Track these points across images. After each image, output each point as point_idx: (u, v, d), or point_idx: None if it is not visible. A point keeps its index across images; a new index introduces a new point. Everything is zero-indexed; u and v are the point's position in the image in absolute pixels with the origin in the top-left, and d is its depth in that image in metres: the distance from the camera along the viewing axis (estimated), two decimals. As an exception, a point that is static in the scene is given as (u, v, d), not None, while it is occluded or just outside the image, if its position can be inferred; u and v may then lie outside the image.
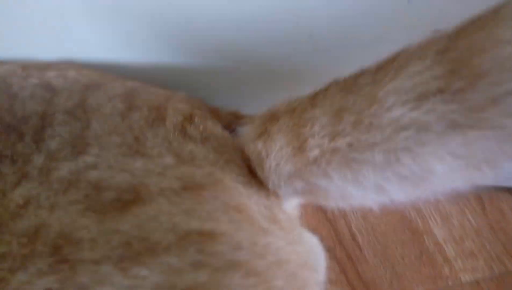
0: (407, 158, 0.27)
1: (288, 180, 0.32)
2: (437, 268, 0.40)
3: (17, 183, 0.34)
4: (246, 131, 0.36)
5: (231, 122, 0.40)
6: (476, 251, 0.40)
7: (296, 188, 0.33)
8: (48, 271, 0.27)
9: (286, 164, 0.31)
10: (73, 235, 0.29)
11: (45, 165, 0.34)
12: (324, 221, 0.44)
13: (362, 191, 0.30)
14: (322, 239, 0.36)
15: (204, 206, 0.31)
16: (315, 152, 0.29)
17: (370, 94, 0.28)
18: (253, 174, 0.35)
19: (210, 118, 0.39)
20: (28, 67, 0.45)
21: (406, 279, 0.41)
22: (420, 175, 0.28)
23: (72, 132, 0.35)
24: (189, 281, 0.28)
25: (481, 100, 0.25)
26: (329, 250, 0.44)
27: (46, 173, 0.33)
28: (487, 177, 0.28)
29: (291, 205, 0.38)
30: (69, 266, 0.27)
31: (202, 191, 0.32)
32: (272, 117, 0.33)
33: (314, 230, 0.37)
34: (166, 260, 0.28)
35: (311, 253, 0.36)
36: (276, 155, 0.31)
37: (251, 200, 0.33)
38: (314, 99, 0.31)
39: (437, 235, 0.42)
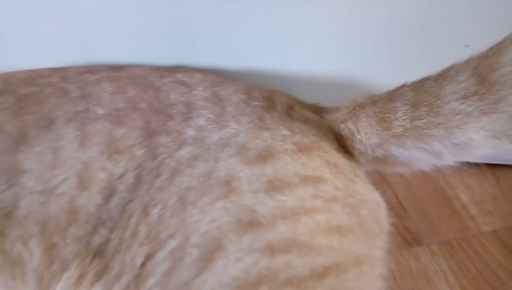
0: (458, 132, 0.44)
1: (372, 149, 0.48)
2: (464, 222, 0.55)
3: (178, 148, 0.49)
4: (334, 117, 0.52)
5: (315, 111, 0.56)
6: (493, 211, 0.55)
7: (377, 155, 0.48)
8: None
9: (373, 138, 0.47)
10: (235, 177, 0.43)
11: (198, 135, 0.49)
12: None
13: (427, 156, 0.46)
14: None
15: (314, 161, 0.46)
16: (399, 130, 0.46)
17: (435, 93, 0.45)
18: (340, 144, 0.50)
19: (303, 107, 0.54)
20: (158, 69, 0.60)
21: (441, 230, 0.55)
22: (465, 142, 0.44)
23: (214, 113, 0.50)
24: (309, 205, 0.43)
25: (495, 99, 0.42)
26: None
27: (201, 140, 0.48)
28: (506, 146, 0.44)
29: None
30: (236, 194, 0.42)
31: (311, 151, 0.47)
32: (359, 106, 0.49)
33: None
34: (297, 192, 0.43)
35: (380, 200, 0.51)
36: (366, 131, 0.47)
37: (341, 160, 0.48)
38: (391, 95, 0.48)
39: (463, 199, 0.57)
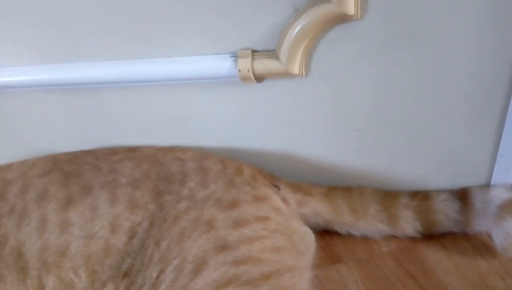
0: None
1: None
2: (370, 245, 0.81)
3: (177, 203, 0.75)
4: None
5: (271, 178, 0.84)
6: (390, 238, 0.83)
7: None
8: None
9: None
10: (214, 218, 0.69)
11: (190, 193, 0.75)
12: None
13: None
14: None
15: (264, 207, 0.73)
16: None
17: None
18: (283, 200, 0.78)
19: (262, 175, 0.82)
20: (162, 149, 0.87)
21: (355, 251, 0.81)
22: None
23: (200, 178, 0.77)
24: (259, 234, 0.69)
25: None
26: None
27: (192, 196, 0.74)
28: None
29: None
30: (215, 229, 0.68)
31: (263, 201, 0.74)
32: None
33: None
34: (252, 226, 0.69)
35: (310, 235, 0.78)
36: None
37: (282, 206, 0.76)
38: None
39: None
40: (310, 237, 0.77)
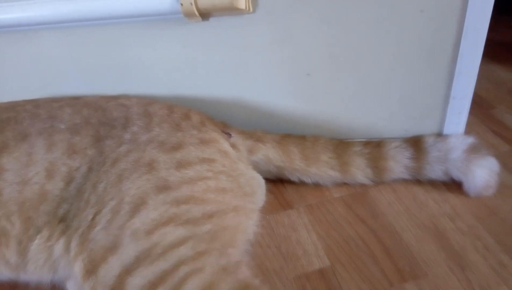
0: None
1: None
2: (322, 192, 0.80)
3: (118, 147, 0.71)
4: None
5: (223, 126, 0.81)
6: (342, 184, 0.81)
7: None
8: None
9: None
10: (155, 160, 0.66)
11: (132, 137, 0.71)
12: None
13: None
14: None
15: (210, 149, 0.70)
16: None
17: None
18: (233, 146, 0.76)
19: (212, 122, 0.79)
20: (106, 97, 0.83)
21: (307, 198, 0.80)
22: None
23: (144, 122, 0.73)
24: (203, 175, 0.66)
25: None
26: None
27: (134, 140, 0.71)
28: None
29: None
30: (155, 170, 0.65)
31: (209, 143, 0.71)
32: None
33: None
34: (196, 168, 0.66)
35: (258, 179, 0.75)
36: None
37: (230, 150, 0.73)
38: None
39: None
40: (258, 181, 0.74)
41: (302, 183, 0.82)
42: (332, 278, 0.66)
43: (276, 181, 0.83)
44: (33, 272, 0.68)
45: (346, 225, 0.74)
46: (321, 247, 0.71)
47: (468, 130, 0.84)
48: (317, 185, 0.82)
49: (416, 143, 0.79)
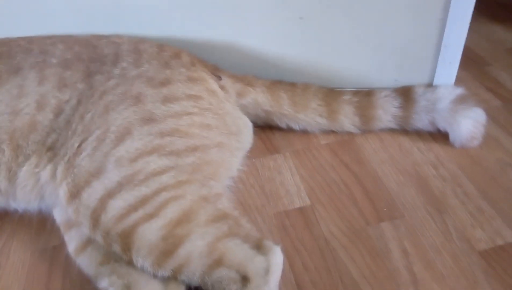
0: None
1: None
2: (310, 139, 0.80)
3: (107, 81, 0.72)
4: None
5: (213, 69, 0.81)
6: (330, 133, 0.82)
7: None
8: None
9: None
10: (142, 94, 0.67)
11: (121, 72, 0.72)
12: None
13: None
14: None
15: (198, 87, 0.71)
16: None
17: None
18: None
19: (203, 64, 0.79)
20: (98, 35, 0.83)
21: (294, 144, 0.81)
22: None
23: (134, 59, 0.74)
24: (189, 110, 0.67)
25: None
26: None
27: (123, 75, 0.71)
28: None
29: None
30: (142, 103, 0.66)
31: (197, 81, 0.72)
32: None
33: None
34: (182, 103, 0.67)
35: (245, 120, 0.76)
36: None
37: (218, 90, 0.73)
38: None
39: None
40: (244, 122, 0.75)
41: (290, 130, 0.83)
42: (311, 216, 0.68)
43: (265, 127, 0.84)
44: (22, 198, 0.70)
45: (330, 170, 0.75)
46: (303, 188, 0.73)
47: (461, 85, 0.83)
48: (304, 132, 0.82)
49: (405, 93, 0.79)
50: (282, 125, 0.82)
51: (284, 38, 0.80)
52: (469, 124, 0.74)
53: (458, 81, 0.83)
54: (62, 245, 0.67)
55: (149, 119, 0.65)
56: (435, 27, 0.74)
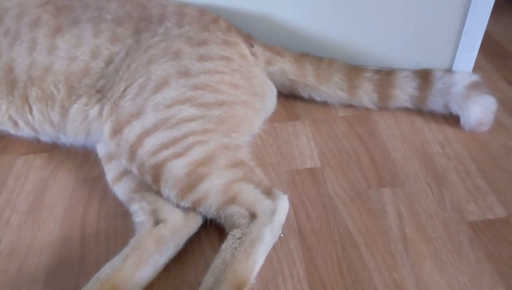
0: None
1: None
2: (329, 110, 0.87)
3: (152, 38, 0.81)
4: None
5: (246, 37, 0.88)
6: (349, 106, 0.88)
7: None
8: None
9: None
10: (181, 50, 0.75)
11: (165, 31, 0.81)
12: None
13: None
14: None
15: (230, 50, 0.79)
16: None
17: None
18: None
19: (238, 31, 0.87)
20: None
21: (313, 113, 0.87)
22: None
23: (177, 20, 0.82)
24: (220, 69, 0.75)
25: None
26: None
27: (166, 33, 0.80)
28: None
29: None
30: (180, 59, 0.75)
31: (230, 45, 0.80)
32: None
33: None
34: (215, 62, 0.75)
35: (270, 85, 0.84)
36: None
37: (249, 55, 0.81)
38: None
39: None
40: (269, 87, 0.83)
41: (311, 100, 0.90)
42: (320, 176, 0.75)
43: (288, 96, 0.91)
44: (71, 132, 0.81)
45: (343, 139, 0.82)
46: (316, 152, 0.80)
47: (482, 75, 0.86)
48: (325, 104, 0.89)
49: (424, 75, 0.84)
50: (305, 95, 0.89)
51: (315, 13, 0.86)
52: (479, 110, 0.78)
53: (480, 70, 0.87)
54: (101, 176, 0.78)
55: (185, 73, 0.74)
56: (457, 14, 0.78)
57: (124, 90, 0.74)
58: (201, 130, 0.69)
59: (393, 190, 0.72)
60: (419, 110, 0.85)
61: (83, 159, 0.83)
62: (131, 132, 0.68)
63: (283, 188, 0.73)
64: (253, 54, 0.84)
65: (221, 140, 0.69)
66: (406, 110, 0.86)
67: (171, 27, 0.81)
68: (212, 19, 0.85)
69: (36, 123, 0.83)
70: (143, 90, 0.72)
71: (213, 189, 0.64)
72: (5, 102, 0.84)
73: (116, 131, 0.70)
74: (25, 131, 0.86)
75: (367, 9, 0.83)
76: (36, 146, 0.87)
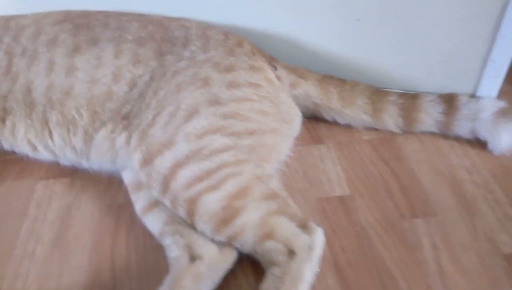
0: None
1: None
2: (352, 133, 0.87)
3: (177, 62, 0.79)
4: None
5: (269, 58, 0.87)
6: (371, 129, 0.88)
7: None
8: None
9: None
10: (210, 77, 0.74)
11: (191, 55, 0.79)
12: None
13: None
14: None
15: (257, 76, 0.78)
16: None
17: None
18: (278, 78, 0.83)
19: (261, 53, 0.85)
20: (168, 17, 0.90)
21: (337, 136, 0.87)
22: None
23: (202, 44, 0.81)
24: (249, 97, 0.74)
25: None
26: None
27: (192, 58, 0.79)
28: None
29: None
30: (209, 86, 0.73)
31: (257, 70, 0.78)
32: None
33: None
34: (244, 90, 0.74)
35: (296, 110, 0.83)
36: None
37: (275, 80, 0.80)
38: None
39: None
40: (296, 112, 0.82)
41: (334, 123, 0.89)
42: (350, 204, 0.75)
43: (311, 118, 0.90)
44: (95, 159, 0.79)
45: (370, 164, 0.82)
46: (344, 178, 0.79)
47: (504, 99, 0.86)
48: (348, 126, 0.88)
49: (449, 100, 0.84)
50: (328, 117, 0.89)
51: (339, 36, 0.86)
52: (509, 137, 0.78)
53: (502, 94, 0.87)
54: (127, 203, 0.76)
55: (215, 102, 0.72)
56: (484, 41, 0.78)
57: (153, 118, 0.72)
58: (234, 161, 0.68)
59: (426, 220, 0.71)
60: (443, 134, 0.86)
61: (107, 185, 0.81)
62: (163, 163, 0.67)
63: (314, 218, 0.72)
64: (278, 77, 0.83)
65: (253, 171, 0.68)
66: (431, 133, 0.86)
67: (197, 50, 0.80)
68: (237, 42, 0.83)
69: (57, 148, 0.81)
70: (173, 119, 0.71)
71: (249, 223, 0.63)
72: (23, 125, 0.82)
73: (147, 161, 0.68)
74: (44, 155, 0.84)
75: (393, 33, 0.82)
76: (56, 170, 0.85)
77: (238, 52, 0.81)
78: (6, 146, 0.85)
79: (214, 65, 0.77)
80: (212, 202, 0.64)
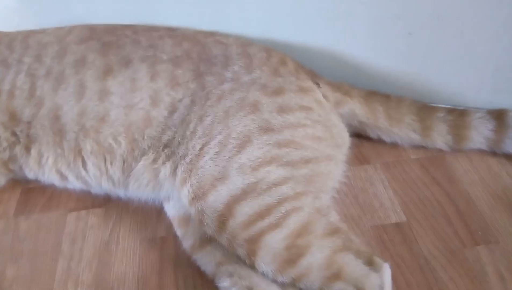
0: None
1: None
2: (399, 152, 0.83)
3: (220, 84, 0.74)
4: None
5: (312, 74, 0.82)
6: (420, 147, 0.85)
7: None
8: None
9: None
10: (259, 102, 0.69)
11: (234, 76, 0.74)
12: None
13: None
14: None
15: (308, 98, 0.73)
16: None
17: None
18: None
19: (304, 70, 0.81)
20: (202, 32, 0.84)
21: (384, 156, 0.83)
22: None
23: (244, 63, 0.75)
24: (302, 122, 0.70)
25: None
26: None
27: (236, 79, 0.73)
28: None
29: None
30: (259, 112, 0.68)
31: (307, 92, 0.74)
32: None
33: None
34: (296, 114, 0.70)
35: (345, 129, 0.79)
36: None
37: (324, 101, 0.76)
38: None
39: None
40: (346, 134, 0.78)
41: (379, 141, 0.85)
42: (409, 232, 0.71)
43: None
44: (134, 189, 0.74)
45: (422, 186, 0.78)
46: (397, 202, 0.76)
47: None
48: (394, 144, 0.85)
49: (500, 116, 0.80)
50: (373, 136, 0.85)
51: (387, 51, 0.82)
52: None
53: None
54: (169, 236, 0.72)
55: (267, 129, 0.67)
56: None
57: (201, 148, 0.67)
58: (293, 194, 0.63)
59: (488, 247, 0.69)
60: (493, 151, 0.83)
61: (145, 215, 0.76)
62: (218, 199, 0.62)
63: (373, 248, 0.69)
64: (324, 96, 0.79)
65: (313, 204, 0.64)
66: (480, 151, 0.83)
67: (240, 71, 0.74)
68: (280, 60, 0.78)
69: (91, 178, 0.75)
70: (225, 149, 0.66)
71: (315, 263, 0.59)
72: (52, 155, 0.76)
73: (199, 197, 0.63)
74: (75, 185, 0.78)
75: (447, 47, 0.79)
76: (87, 200, 0.79)
77: (283, 72, 0.76)
78: (30, 175, 0.79)
79: (262, 88, 0.72)
80: (275, 242, 0.60)
